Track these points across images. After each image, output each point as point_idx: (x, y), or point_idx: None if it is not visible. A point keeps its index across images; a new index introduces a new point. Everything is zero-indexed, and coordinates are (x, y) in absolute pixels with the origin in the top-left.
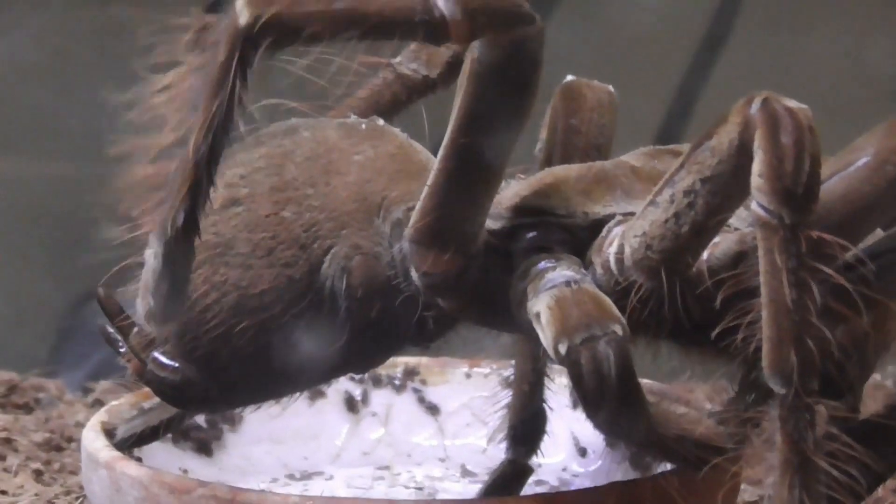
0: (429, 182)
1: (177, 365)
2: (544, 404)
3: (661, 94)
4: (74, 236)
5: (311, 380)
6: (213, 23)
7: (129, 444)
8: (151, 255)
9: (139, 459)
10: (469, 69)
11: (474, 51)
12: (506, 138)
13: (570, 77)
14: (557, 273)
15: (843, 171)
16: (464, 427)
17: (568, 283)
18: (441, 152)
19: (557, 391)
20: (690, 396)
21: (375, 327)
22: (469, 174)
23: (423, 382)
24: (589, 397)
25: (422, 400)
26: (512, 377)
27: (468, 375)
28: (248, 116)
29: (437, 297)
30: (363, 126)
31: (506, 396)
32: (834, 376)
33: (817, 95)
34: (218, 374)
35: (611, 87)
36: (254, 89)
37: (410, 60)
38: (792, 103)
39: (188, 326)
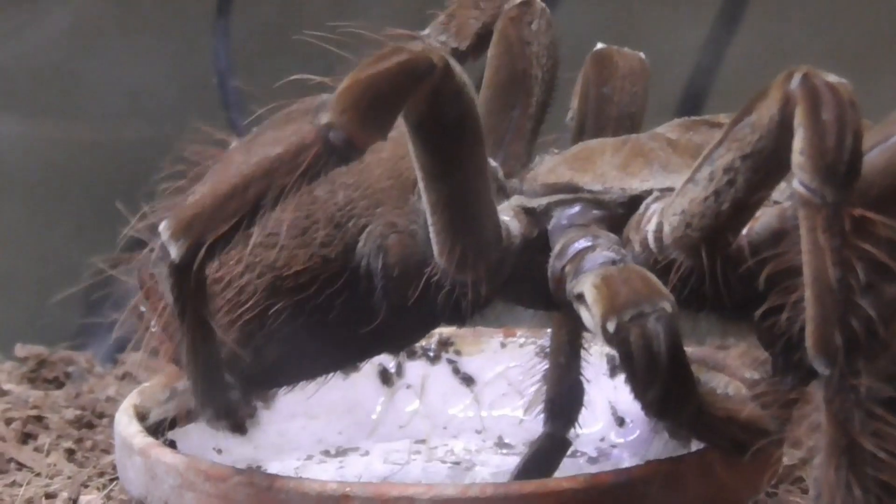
0: (429, 221)
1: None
2: (581, 376)
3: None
4: (104, 202)
5: (346, 360)
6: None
7: (162, 428)
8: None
9: (173, 442)
10: (406, 128)
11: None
12: (471, 161)
13: (600, 45)
14: (598, 254)
15: (884, 143)
16: (500, 397)
17: (613, 262)
18: (423, 196)
19: (594, 360)
20: (728, 362)
21: (412, 306)
22: (461, 208)
23: (458, 353)
24: (639, 375)
25: (457, 371)
26: (548, 348)
27: (503, 345)
28: (276, 92)
29: (476, 287)
30: None
31: (542, 366)
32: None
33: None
34: (255, 355)
35: (642, 54)
36: (279, 65)
37: (439, 33)
38: (832, 78)
39: (222, 309)
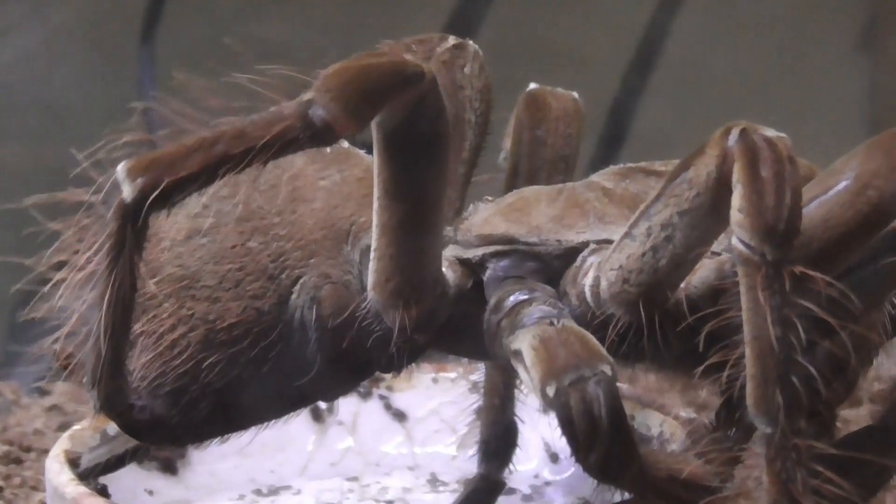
0: (373, 246)
1: (143, 403)
2: (516, 417)
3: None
4: (25, 223)
5: (281, 410)
6: (96, 201)
7: (94, 474)
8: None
9: (104, 487)
10: (375, 136)
11: (376, 118)
12: (434, 188)
13: (533, 85)
14: (535, 308)
15: (823, 196)
16: (433, 434)
17: (550, 322)
18: (375, 217)
19: (527, 397)
20: (664, 401)
21: (346, 358)
22: (410, 235)
23: (390, 389)
24: (580, 439)
25: (388, 407)
26: (482, 387)
27: (435, 381)
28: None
29: (410, 335)
30: (328, 150)
31: (474, 402)
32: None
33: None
34: (186, 410)
35: (576, 94)
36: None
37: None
38: (771, 133)
39: (155, 362)
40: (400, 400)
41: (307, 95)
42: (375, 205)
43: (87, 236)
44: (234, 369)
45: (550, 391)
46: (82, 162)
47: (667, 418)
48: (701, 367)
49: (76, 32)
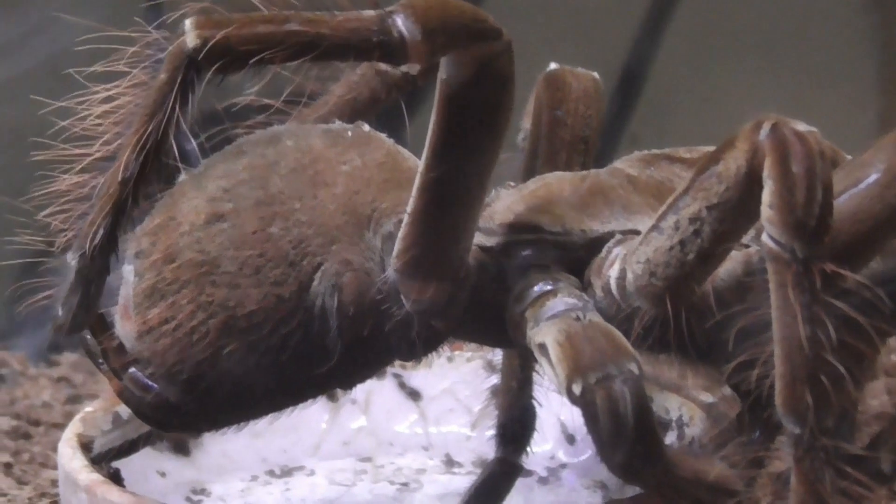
0: (408, 210)
1: (156, 386)
2: (533, 401)
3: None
4: (22, 188)
5: (300, 398)
6: (160, 39)
7: (107, 458)
8: (68, 266)
9: (117, 471)
10: (438, 91)
11: (442, 71)
12: (484, 161)
13: (553, 65)
14: (559, 300)
15: (853, 189)
16: (446, 413)
17: (576, 316)
18: (418, 180)
19: (544, 379)
20: (682, 383)
21: (367, 345)
22: (449, 202)
23: (404, 367)
24: (605, 438)
25: (402, 385)
26: (497, 365)
27: (450, 359)
28: (220, 118)
29: (429, 320)
30: (349, 133)
31: (489, 381)
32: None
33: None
34: (203, 397)
35: (596, 74)
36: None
37: None
38: (801, 126)
39: (173, 348)
40: (414, 379)
41: (392, 7)
42: (422, 163)
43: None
44: (254, 357)
45: (577, 388)
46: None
47: (686, 401)
48: (729, 366)
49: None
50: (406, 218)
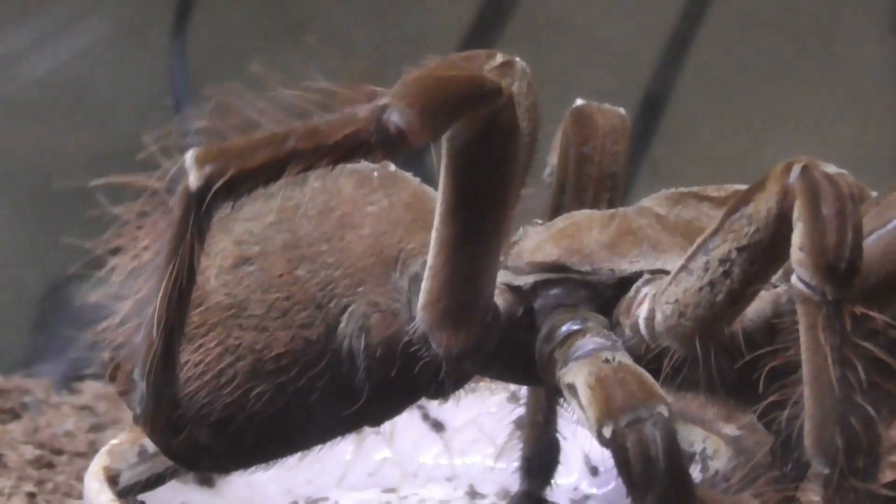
0: (428, 265)
1: (189, 430)
2: (558, 433)
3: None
4: (49, 214)
5: (327, 438)
6: (162, 187)
7: (134, 492)
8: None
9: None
10: (446, 150)
11: (448, 131)
12: (498, 212)
13: (579, 101)
14: (588, 340)
15: (882, 230)
16: (471, 444)
17: (606, 359)
18: (434, 236)
19: (567, 411)
20: (706, 416)
21: (394, 386)
22: (468, 256)
23: (427, 398)
24: (636, 481)
25: (426, 417)
26: (520, 396)
27: (473, 390)
28: None
29: (458, 363)
30: (375, 174)
31: (513, 412)
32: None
33: None
34: (232, 438)
35: (622, 110)
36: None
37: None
38: (831, 169)
39: (201, 391)
40: (438, 410)
41: (383, 100)
42: (437, 220)
43: (147, 223)
44: (282, 399)
45: (607, 432)
46: (149, 147)
47: (710, 434)
48: (760, 406)
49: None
50: (427, 272)
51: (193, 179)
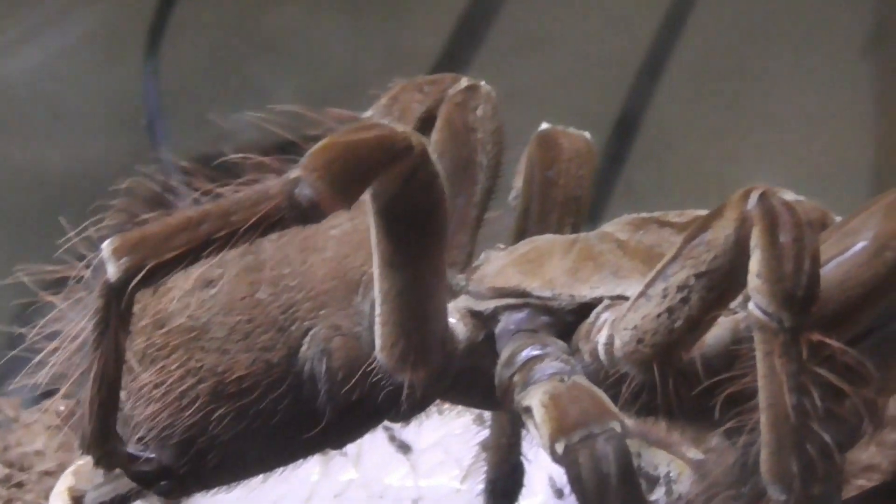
0: (377, 311)
1: (151, 456)
2: (522, 457)
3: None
4: (22, 231)
5: (289, 460)
6: (85, 276)
7: None
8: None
9: None
10: (370, 209)
11: (367, 191)
12: (433, 257)
13: (545, 125)
14: (546, 364)
15: (840, 257)
16: (437, 466)
17: (561, 379)
18: (376, 285)
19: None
20: (670, 439)
21: (356, 409)
22: (412, 301)
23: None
24: (589, 497)
25: (393, 438)
26: (486, 418)
27: (440, 412)
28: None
29: (419, 392)
30: None
31: (479, 434)
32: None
33: None
34: (194, 460)
35: (587, 135)
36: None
37: (382, 115)
38: (790, 196)
39: (163, 413)
40: (404, 432)
41: (294, 173)
42: (376, 272)
43: (77, 309)
44: (244, 421)
45: (560, 448)
46: (72, 236)
47: (674, 458)
48: (716, 432)
49: (82, 46)
50: (377, 318)
51: (112, 273)
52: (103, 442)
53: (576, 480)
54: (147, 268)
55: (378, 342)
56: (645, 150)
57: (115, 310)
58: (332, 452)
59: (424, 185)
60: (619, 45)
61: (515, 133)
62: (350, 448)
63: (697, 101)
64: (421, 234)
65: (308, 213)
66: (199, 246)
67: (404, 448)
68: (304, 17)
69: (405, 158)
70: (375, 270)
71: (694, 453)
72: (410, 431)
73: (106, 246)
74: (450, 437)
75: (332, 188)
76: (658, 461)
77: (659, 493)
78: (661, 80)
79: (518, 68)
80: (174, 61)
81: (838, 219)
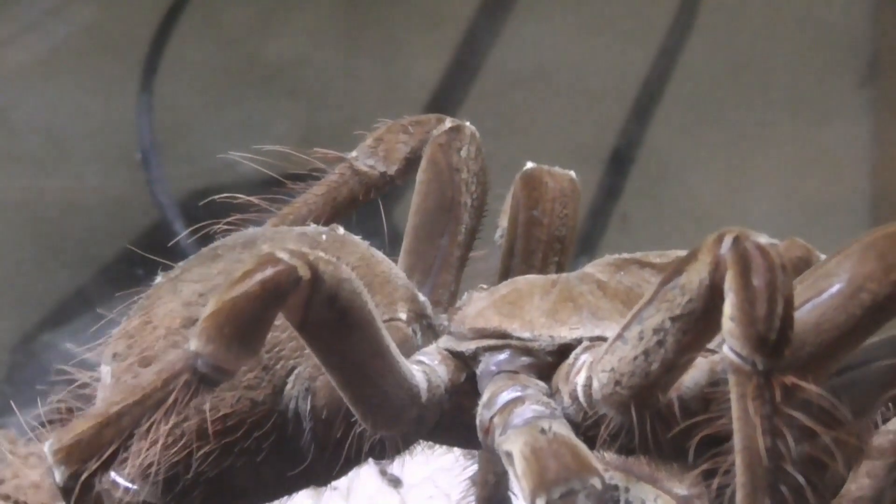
0: (343, 396)
1: (134, 487)
2: (510, 493)
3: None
4: (21, 264)
5: (274, 496)
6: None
7: None
8: None
9: None
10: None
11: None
12: (368, 347)
13: (530, 164)
14: (527, 407)
15: (816, 299)
16: (427, 500)
17: (542, 429)
18: (329, 379)
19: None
20: (657, 475)
21: (340, 447)
22: (365, 388)
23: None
24: None
25: (383, 473)
26: (476, 454)
27: (430, 447)
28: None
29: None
30: (324, 237)
31: (469, 468)
32: None
33: None
34: (180, 497)
35: (573, 174)
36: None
37: (367, 156)
38: (763, 239)
39: (148, 450)
40: (395, 466)
41: (191, 345)
42: (324, 370)
43: None
44: (228, 459)
45: (540, 503)
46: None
47: (661, 493)
48: (693, 473)
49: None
50: (345, 397)
51: (59, 477)
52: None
53: None
54: (90, 468)
55: (355, 413)
56: (640, 182)
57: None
58: (324, 486)
59: (326, 303)
60: (614, 77)
61: (511, 167)
62: (341, 482)
63: (693, 134)
64: (344, 337)
65: (216, 379)
66: (126, 438)
67: (395, 482)
68: (300, 52)
69: (296, 291)
70: (329, 376)
71: (680, 489)
72: (400, 466)
73: (48, 450)
74: (440, 471)
75: (229, 350)
76: (645, 496)
77: None
78: (656, 113)
79: (514, 102)
80: (168, 95)
81: (823, 256)
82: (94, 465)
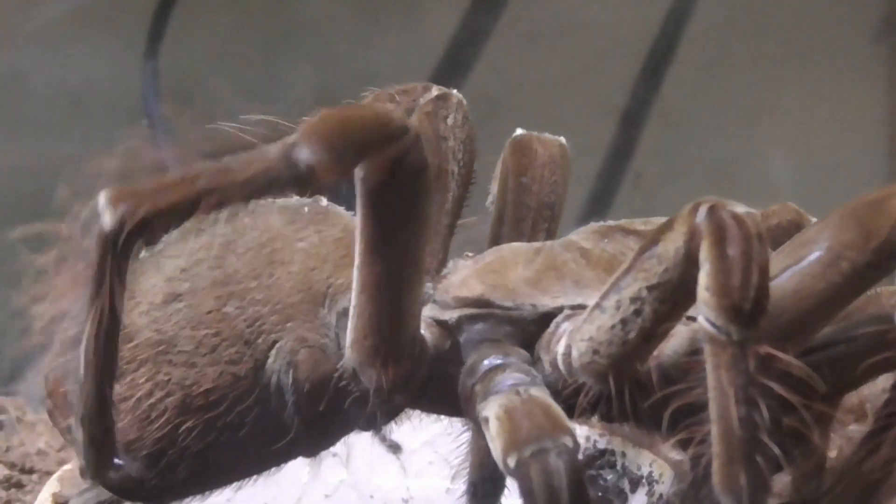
0: (353, 302)
1: (121, 463)
2: None
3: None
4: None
5: (260, 470)
6: (78, 231)
7: None
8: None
9: None
10: (358, 192)
11: (358, 172)
12: (415, 248)
13: (519, 131)
14: (507, 375)
15: (795, 267)
16: (427, 466)
17: (517, 392)
18: (356, 272)
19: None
20: (653, 440)
21: (324, 419)
22: (389, 294)
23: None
24: None
25: (383, 439)
26: (470, 433)
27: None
28: None
29: (388, 397)
30: (306, 209)
31: (468, 434)
32: None
33: None
34: (164, 472)
35: (563, 140)
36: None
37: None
38: (740, 208)
39: (133, 425)
40: (394, 432)
41: (292, 138)
42: (357, 260)
43: (66, 268)
44: (212, 433)
45: (511, 462)
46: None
47: (656, 458)
48: (670, 441)
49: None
50: (351, 310)
51: (107, 221)
52: (102, 414)
53: (527, 494)
54: (142, 215)
55: (349, 336)
56: (653, 141)
57: (113, 262)
58: (323, 453)
59: (414, 172)
60: (626, 36)
61: (524, 126)
62: (340, 448)
63: (706, 92)
64: (405, 222)
65: (303, 178)
66: (194, 197)
67: (394, 448)
68: (315, 12)
69: (399, 140)
70: (356, 258)
71: (675, 454)
72: (400, 432)
73: (102, 195)
74: (439, 437)
75: (329, 155)
76: (641, 461)
77: (641, 493)
78: (668, 71)
79: (526, 61)
80: (174, 62)
81: (813, 220)
82: (149, 213)
